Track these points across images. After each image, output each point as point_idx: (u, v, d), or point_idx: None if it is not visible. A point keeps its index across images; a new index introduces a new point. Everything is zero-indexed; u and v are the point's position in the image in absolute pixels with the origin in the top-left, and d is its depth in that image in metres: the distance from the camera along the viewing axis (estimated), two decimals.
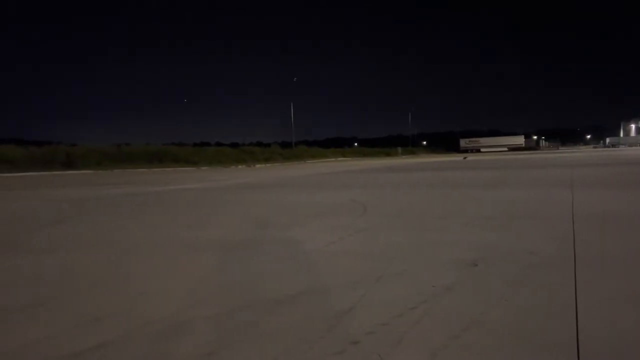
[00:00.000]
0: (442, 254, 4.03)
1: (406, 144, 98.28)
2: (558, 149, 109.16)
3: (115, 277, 3.70)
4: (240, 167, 38.27)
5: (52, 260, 4.38)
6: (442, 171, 19.49)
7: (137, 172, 30.13)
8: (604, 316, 2.50)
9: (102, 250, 4.75)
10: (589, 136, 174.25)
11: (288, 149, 54.64)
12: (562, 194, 8.52)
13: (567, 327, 2.37)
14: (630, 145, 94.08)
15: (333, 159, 54.80)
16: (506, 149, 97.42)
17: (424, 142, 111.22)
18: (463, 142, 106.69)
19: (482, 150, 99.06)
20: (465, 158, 35.86)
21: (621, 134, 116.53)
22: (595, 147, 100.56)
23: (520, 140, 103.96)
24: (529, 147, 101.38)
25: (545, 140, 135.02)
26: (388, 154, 75.74)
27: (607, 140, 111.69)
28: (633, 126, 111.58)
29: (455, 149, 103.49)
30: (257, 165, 40.39)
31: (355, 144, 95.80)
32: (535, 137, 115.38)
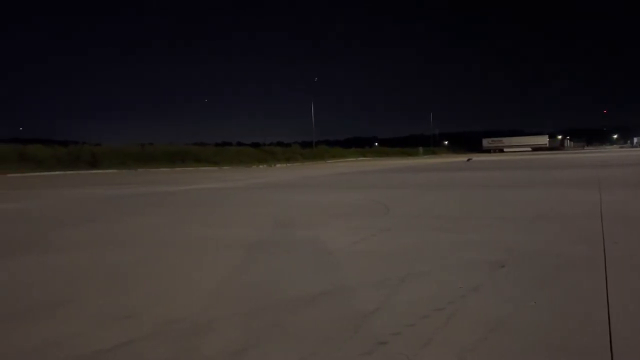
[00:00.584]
0: (467, 255, 3.98)
1: (427, 144, 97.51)
2: (583, 148, 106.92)
3: (142, 275, 3.75)
4: (261, 166, 38.49)
5: (80, 257, 4.46)
6: (465, 172, 19.28)
7: (159, 171, 30.56)
8: (639, 320, 2.44)
9: (129, 249, 4.83)
10: (615, 136, 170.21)
11: (308, 149, 54.71)
12: (589, 194, 8.34)
13: (599, 330, 2.32)
14: None
15: (353, 159, 54.69)
16: (530, 149, 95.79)
17: (446, 142, 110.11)
18: (486, 142, 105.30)
19: (505, 150, 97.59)
20: (469, 160, 33.35)
21: None
22: (621, 147, 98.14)
23: (544, 140, 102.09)
24: (553, 147, 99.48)
25: (571, 140, 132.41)
26: (409, 154, 75.26)
27: (635, 140, 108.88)
28: None
29: (477, 149, 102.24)
30: (278, 165, 40.55)
31: (376, 143, 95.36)
32: (559, 137, 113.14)
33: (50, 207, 9.31)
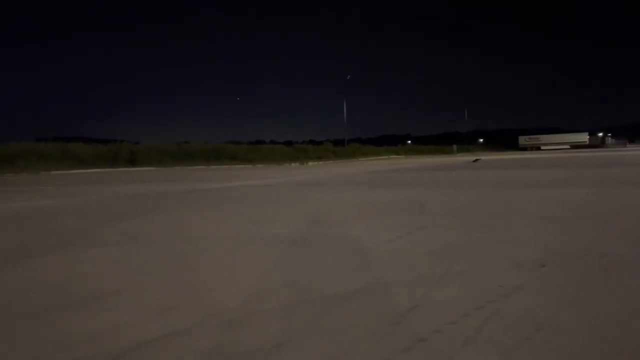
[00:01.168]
0: (507, 254, 3.92)
1: (462, 141, 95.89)
2: (625, 146, 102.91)
3: (185, 269, 3.85)
4: (293, 164, 38.71)
5: (128, 251, 4.61)
6: (501, 169, 18.89)
7: (196, 169, 31.16)
8: None
9: (172, 243, 4.96)
10: None
11: (340, 147, 54.70)
12: (631, 193, 8.04)
13: None
14: None
15: (386, 157, 54.36)
16: (568, 146, 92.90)
17: (481, 140, 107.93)
18: (522, 140, 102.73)
19: (542, 148, 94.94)
20: (475, 161, 29.02)
21: None
22: None
23: (584, 137, 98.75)
24: (593, 145, 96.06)
25: (612, 137, 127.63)
26: (443, 152, 74.25)
27: None
28: None
29: (514, 146, 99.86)
30: (310, 163, 40.70)
31: (409, 141, 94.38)
32: (600, 135, 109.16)
33: (96, 203, 9.64)
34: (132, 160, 34.49)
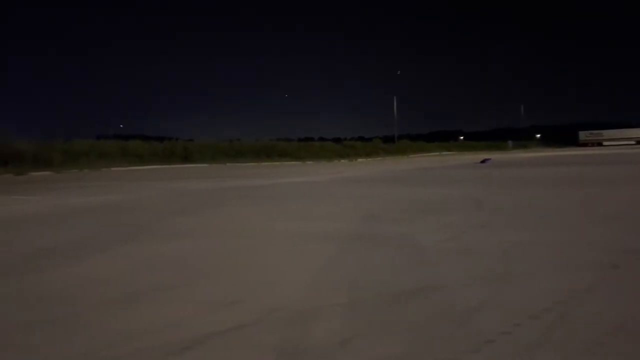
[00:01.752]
0: (575, 254, 3.75)
1: (517, 137, 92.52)
2: None
3: (245, 263, 3.94)
4: (342, 161, 38.70)
5: (186, 245, 4.77)
6: (559, 166, 18.11)
7: (247, 166, 31.76)
8: None
9: (230, 238, 5.08)
10: None
11: (390, 144, 54.16)
12: None
13: None
14: None
15: (437, 153, 53.32)
16: (634, 142, 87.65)
17: (538, 135, 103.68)
18: (582, 135, 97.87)
19: (604, 144, 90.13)
20: (483, 162, 23.78)
21: None
22: None
23: None
24: None
25: None
26: (497, 148, 71.97)
27: None
28: None
29: (573, 142, 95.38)
30: (359, 160, 40.55)
31: (461, 137, 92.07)
32: None
33: (157, 198, 10.02)
34: (186, 157, 35.54)
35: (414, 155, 48.96)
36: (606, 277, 3.10)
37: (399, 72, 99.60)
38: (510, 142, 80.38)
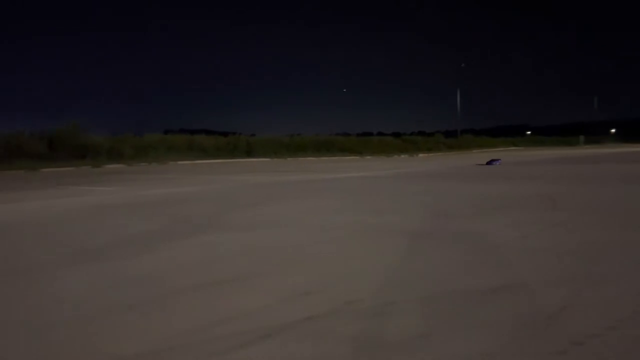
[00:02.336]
0: None
1: (590, 132, 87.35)
2: None
3: (314, 256, 3.99)
4: (402, 156, 38.21)
5: (257, 236, 4.89)
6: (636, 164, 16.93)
7: (307, 160, 32.07)
8: None
9: (298, 230, 5.16)
10: None
11: (452, 138, 52.84)
12: None
13: None
14: None
15: (502, 149, 51.44)
16: None
17: (612, 130, 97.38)
18: None
19: None
20: (489, 163, 19.06)
21: None
22: None
23: None
24: None
25: None
26: (567, 144, 68.38)
27: None
28: None
29: None
30: (420, 155, 39.87)
31: (528, 132, 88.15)
32: None
33: (223, 191, 10.35)
34: (249, 152, 36.40)
35: (477, 151, 47.46)
36: None
37: (463, 65, 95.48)
38: (582, 137, 76.05)
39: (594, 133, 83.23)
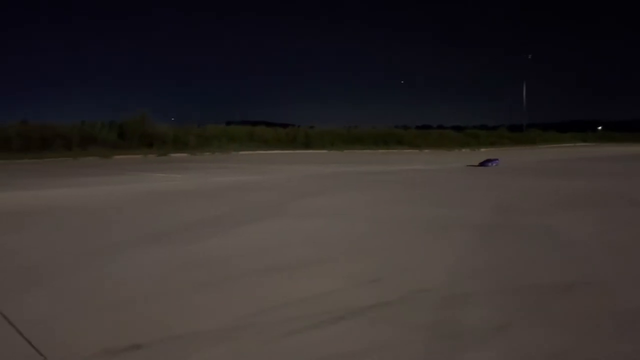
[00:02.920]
0: None
1: None
2: None
3: (380, 245, 3.99)
4: (463, 150, 37.19)
5: (322, 224, 4.96)
6: None
7: (364, 152, 31.95)
8: None
9: (361, 220, 5.18)
10: None
11: (517, 133, 50.77)
12: None
13: None
14: None
15: (571, 145, 48.86)
16: None
17: None
18: None
19: None
20: (483, 164, 14.23)
21: None
22: None
23: None
24: None
25: None
26: None
27: None
28: None
29: None
30: (482, 149, 38.63)
31: (599, 127, 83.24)
32: None
33: (286, 180, 10.53)
34: (307, 143, 36.72)
35: (543, 146, 45.38)
36: None
37: (529, 56, 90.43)
38: None
39: None
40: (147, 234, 4.55)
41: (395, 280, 2.98)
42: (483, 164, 14.08)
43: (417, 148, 38.24)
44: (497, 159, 14.99)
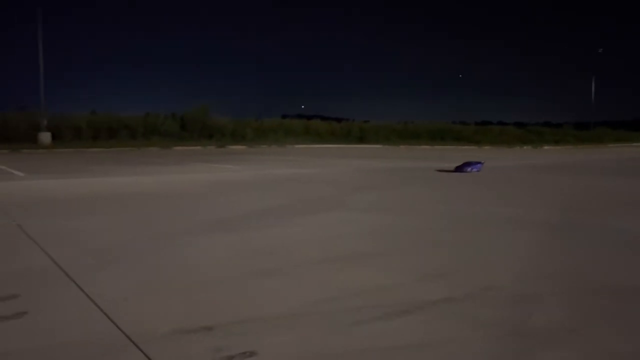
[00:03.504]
0: None
1: None
2: None
3: (440, 241, 3.93)
4: (525, 148, 35.82)
5: (379, 218, 4.94)
6: None
7: (420, 148, 31.46)
8: None
9: (419, 215, 5.11)
10: None
11: (584, 131, 48.25)
12: None
13: None
14: None
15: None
16: None
17: None
18: None
19: None
20: (457, 169, 10.69)
21: None
22: None
23: None
24: None
25: None
26: None
27: None
28: None
29: None
30: (545, 147, 37.06)
31: None
32: None
33: (341, 174, 10.57)
34: (362, 138, 36.65)
35: (613, 145, 42.91)
36: None
37: (600, 50, 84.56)
38: None
39: None
40: (213, 221, 4.71)
41: (462, 277, 2.92)
42: (459, 168, 10.77)
43: (476, 144, 37.20)
44: (480, 162, 11.13)
